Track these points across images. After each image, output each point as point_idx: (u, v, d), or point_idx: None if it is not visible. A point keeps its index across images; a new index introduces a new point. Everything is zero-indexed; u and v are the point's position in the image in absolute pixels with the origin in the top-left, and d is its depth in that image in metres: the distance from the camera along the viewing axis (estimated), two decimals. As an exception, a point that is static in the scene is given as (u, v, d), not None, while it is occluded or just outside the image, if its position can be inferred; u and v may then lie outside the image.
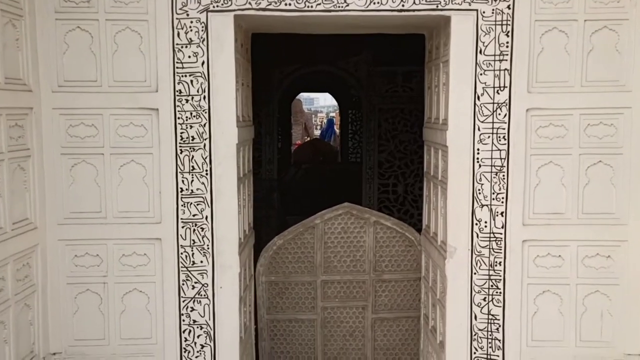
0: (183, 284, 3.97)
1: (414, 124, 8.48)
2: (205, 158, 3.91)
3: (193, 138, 3.89)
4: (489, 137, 3.88)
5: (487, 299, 3.98)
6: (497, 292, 3.98)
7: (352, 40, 8.58)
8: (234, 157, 3.94)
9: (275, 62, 8.26)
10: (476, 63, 3.83)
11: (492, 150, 3.89)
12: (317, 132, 32.04)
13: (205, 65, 3.85)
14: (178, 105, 3.86)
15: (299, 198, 9.97)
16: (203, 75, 3.85)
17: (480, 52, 3.82)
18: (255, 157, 8.78)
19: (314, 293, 5.01)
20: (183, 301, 3.98)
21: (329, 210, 4.86)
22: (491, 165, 3.90)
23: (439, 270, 4.22)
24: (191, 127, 3.89)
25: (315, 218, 4.87)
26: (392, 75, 8.39)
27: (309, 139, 25.34)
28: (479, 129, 3.88)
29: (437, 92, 4.28)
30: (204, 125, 3.89)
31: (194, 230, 3.95)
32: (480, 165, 3.90)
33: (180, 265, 3.96)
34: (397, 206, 8.51)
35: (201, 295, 3.99)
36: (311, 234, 4.91)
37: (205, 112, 3.89)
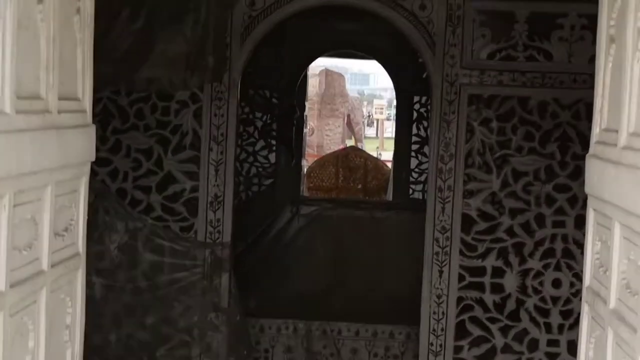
0: None
1: (550, 133, 3.70)
2: None
3: None
4: None
5: None
6: None
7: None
8: None
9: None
10: None
11: None
12: (371, 132, 18.08)
13: None
14: None
15: (284, 276, 4.83)
16: None
17: None
18: (192, 198, 4.06)
19: None
20: None
21: None
22: None
23: None
24: None
25: None
26: (504, 19, 3.58)
27: (354, 142, 16.22)
28: None
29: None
30: None
31: None
32: None
33: None
34: (502, 321, 3.68)
35: None
36: None
37: None
